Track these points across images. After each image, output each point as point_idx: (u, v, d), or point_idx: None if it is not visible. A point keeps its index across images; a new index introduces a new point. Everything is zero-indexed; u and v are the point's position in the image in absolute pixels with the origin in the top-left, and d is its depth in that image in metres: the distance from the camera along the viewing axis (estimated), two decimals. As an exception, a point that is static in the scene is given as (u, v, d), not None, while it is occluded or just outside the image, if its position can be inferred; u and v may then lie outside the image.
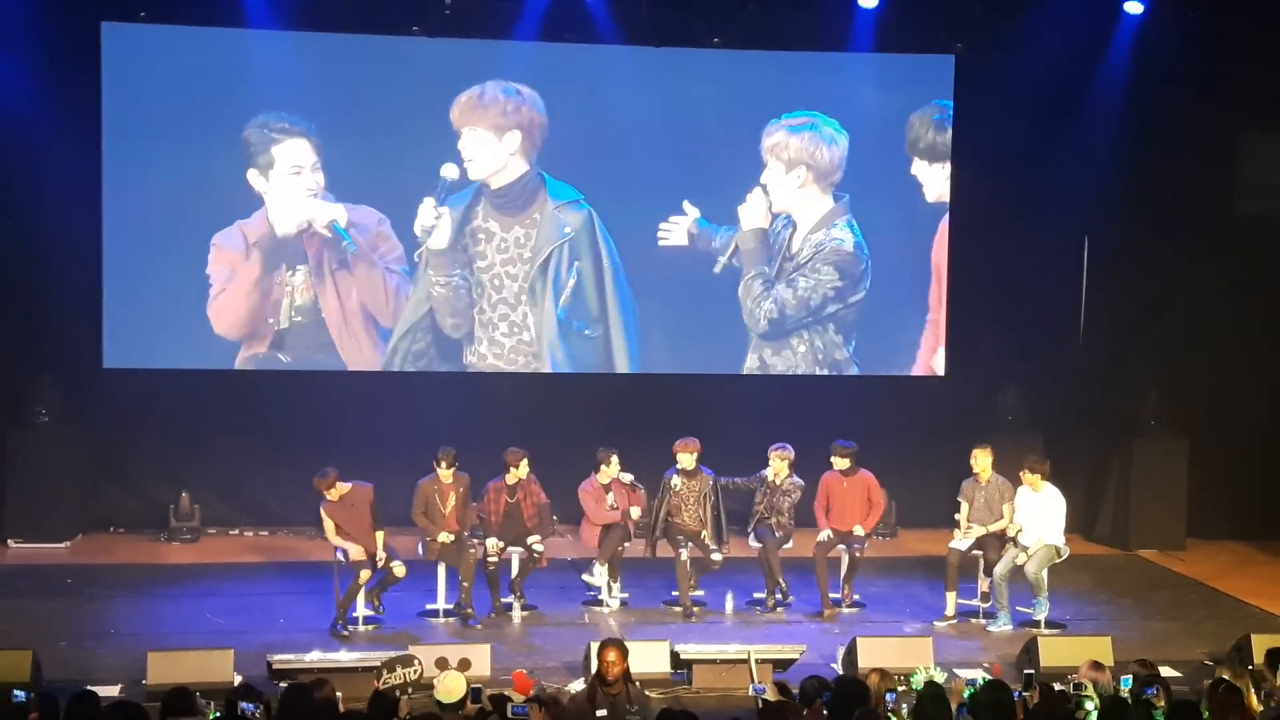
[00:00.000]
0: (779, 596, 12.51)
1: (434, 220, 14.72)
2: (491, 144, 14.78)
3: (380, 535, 11.80)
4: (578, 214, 15.00)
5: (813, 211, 15.23)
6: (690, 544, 12.45)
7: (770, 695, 8.59)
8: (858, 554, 12.59)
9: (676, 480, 12.52)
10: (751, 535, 12.67)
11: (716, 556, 12.40)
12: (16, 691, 8.35)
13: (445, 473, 12.07)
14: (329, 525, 11.84)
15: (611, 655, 8.72)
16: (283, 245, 14.58)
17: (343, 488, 11.76)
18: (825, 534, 12.51)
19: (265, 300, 14.59)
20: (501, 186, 14.88)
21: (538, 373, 15.09)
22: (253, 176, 14.43)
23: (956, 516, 12.76)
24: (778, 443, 12.65)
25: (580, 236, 15.00)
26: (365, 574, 11.61)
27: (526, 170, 14.88)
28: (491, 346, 15.00)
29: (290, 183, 14.52)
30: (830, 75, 15.11)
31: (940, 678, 9.35)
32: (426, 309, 14.88)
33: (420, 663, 9.86)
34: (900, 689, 9.37)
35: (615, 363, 15.23)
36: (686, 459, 12.48)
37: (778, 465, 12.57)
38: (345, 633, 11.46)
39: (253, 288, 14.56)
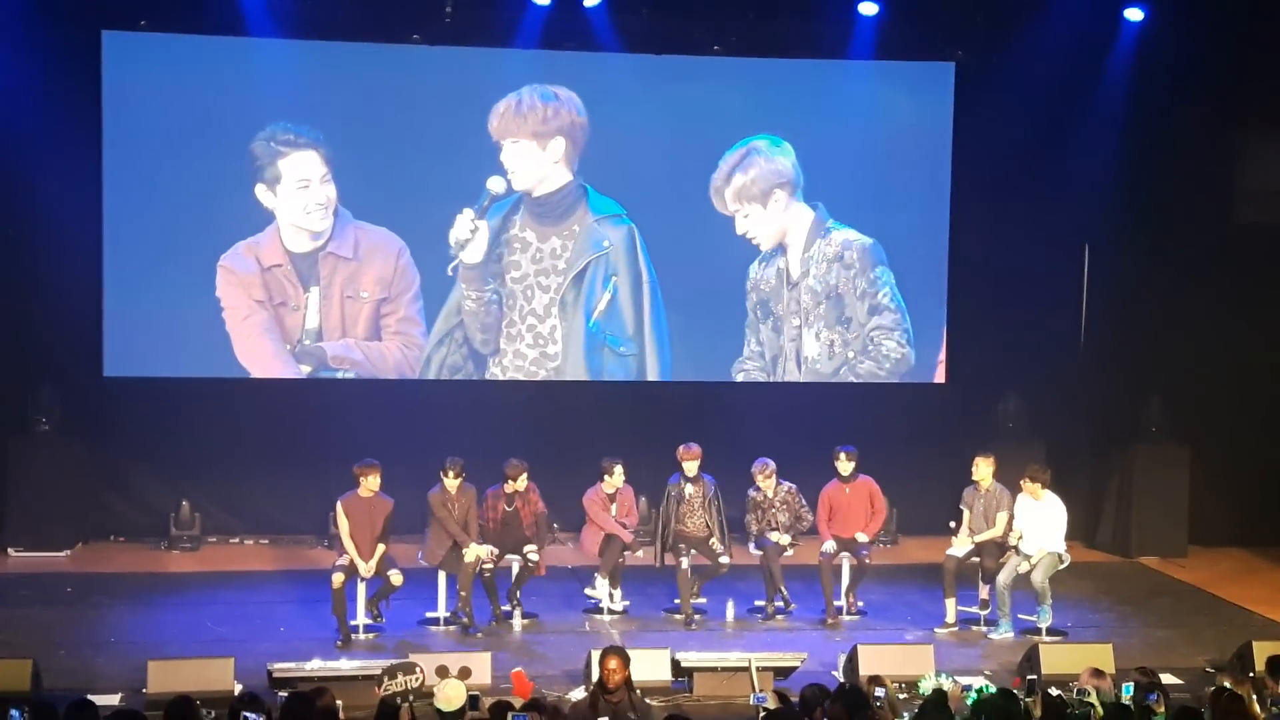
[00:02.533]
0: (780, 604, 12.50)
1: (469, 234, 14.62)
2: (535, 153, 14.67)
3: (381, 548, 11.79)
4: (618, 229, 14.90)
5: (796, 227, 15.19)
6: (694, 551, 12.43)
7: (771, 704, 8.57)
8: (866, 560, 12.57)
9: (689, 487, 12.50)
10: (752, 544, 12.67)
11: (725, 560, 12.39)
12: (13, 711, 8.28)
13: (452, 483, 12.05)
14: (344, 524, 11.80)
15: (613, 663, 8.72)
16: (296, 265, 14.52)
17: (375, 487, 11.79)
18: (829, 545, 12.47)
19: (281, 327, 14.55)
20: (542, 195, 14.80)
21: (543, 381, 15.02)
22: (260, 192, 14.39)
23: (953, 524, 12.77)
24: (758, 459, 12.60)
25: (619, 251, 14.90)
26: (338, 577, 11.56)
27: (569, 180, 14.81)
28: (515, 359, 14.92)
29: (299, 197, 14.46)
30: (829, 82, 15.09)
31: (949, 686, 9.34)
32: (458, 320, 14.81)
33: (422, 670, 9.84)
34: (902, 696, 9.39)
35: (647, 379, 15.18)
36: (692, 465, 12.47)
37: (765, 483, 12.56)
38: (339, 642, 11.46)
39: (269, 318, 14.50)
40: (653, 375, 15.13)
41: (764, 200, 15.04)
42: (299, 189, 14.46)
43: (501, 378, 14.95)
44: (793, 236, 15.16)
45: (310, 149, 14.45)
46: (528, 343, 14.92)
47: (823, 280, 15.19)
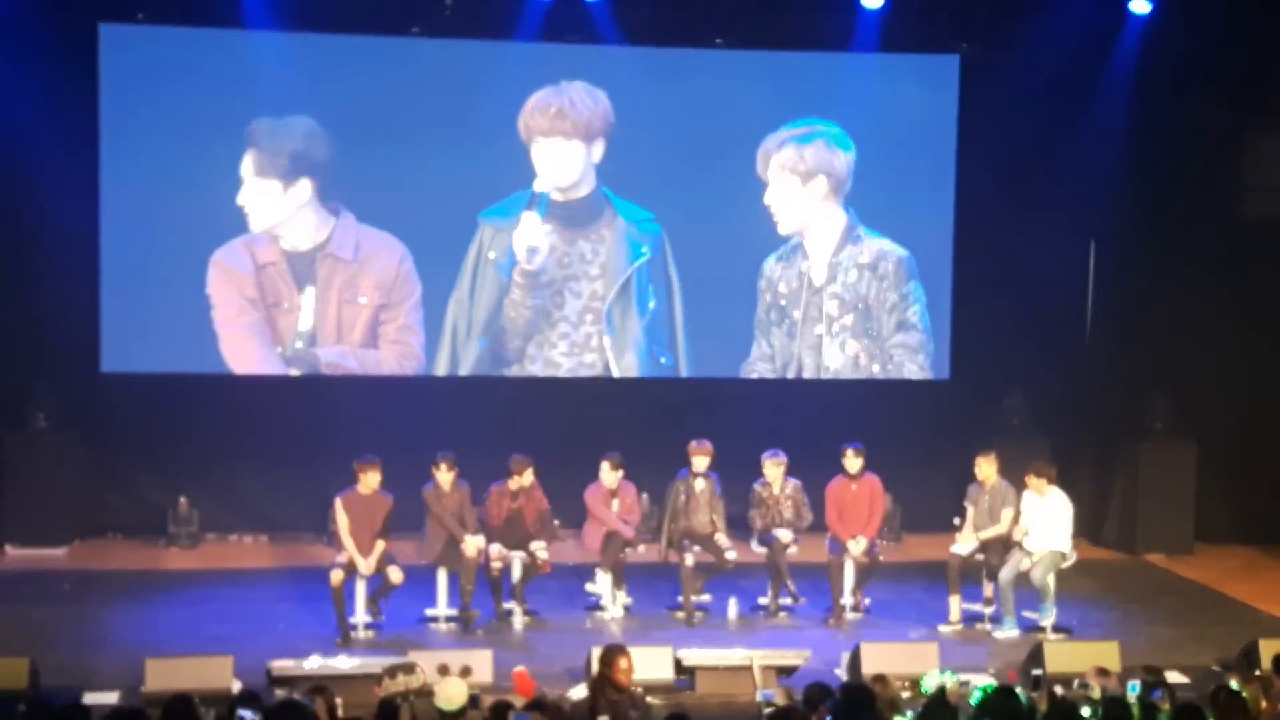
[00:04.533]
0: (788, 600, 12.39)
1: (543, 239, 14.47)
2: (576, 153, 14.51)
3: (380, 545, 11.69)
4: (651, 235, 14.76)
5: (829, 229, 15.05)
6: (698, 548, 12.34)
7: (780, 699, 8.47)
8: (879, 558, 12.49)
9: (700, 482, 12.42)
10: (755, 541, 12.58)
11: (731, 555, 12.30)
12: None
13: (445, 476, 11.96)
14: (343, 521, 11.71)
15: (625, 662, 8.65)
16: (293, 264, 14.38)
17: (375, 484, 11.70)
18: (855, 544, 12.36)
19: (273, 328, 14.41)
20: (570, 199, 14.62)
21: (544, 378, 14.92)
22: (257, 189, 14.24)
23: (956, 521, 12.68)
24: (770, 449, 12.55)
25: (656, 259, 14.78)
26: (337, 575, 11.46)
27: (594, 184, 14.64)
28: (547, 367, 14.77)
29: (295, 196, 14.31)
30: (833, 75, 15.00)
31: (951, 683, 9.26)
32: (499, 325, 14.63)
33: (422, 670, 9.73)
34: (906, 694, 9.30)
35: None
36: (702, 461, 12.38)
37: (773, 473, 12.48)
38: (339, 640, 11.37)
39: (262, 319, 14.35)
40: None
41: (805, 180, 14.85)
42: (294, 187, 14.31)
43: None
44: (818, 237, 15.02)
45: (305, 144, 14.28)
46: (562, 350, 14.76)
47: (852, 289, 15.04)
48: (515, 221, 14.59)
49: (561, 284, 14.73)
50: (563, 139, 14.50)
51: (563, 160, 14.53)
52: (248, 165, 14.23)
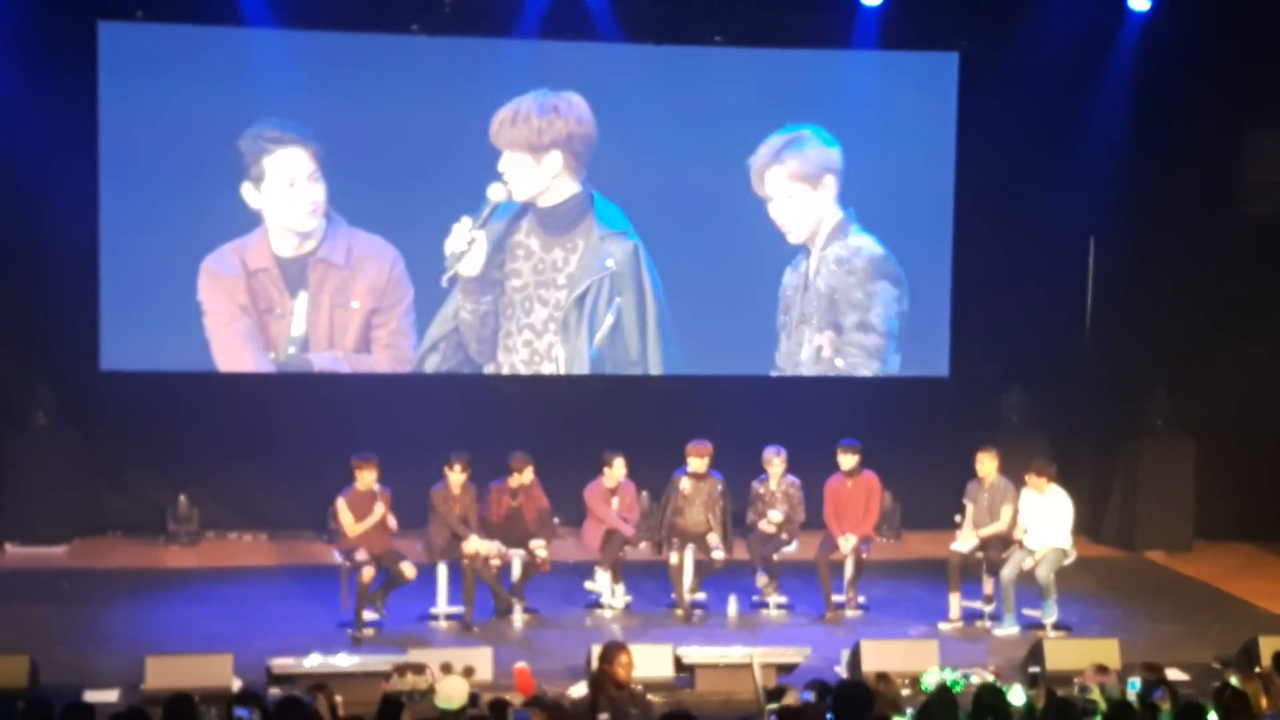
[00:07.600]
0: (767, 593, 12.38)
1: (466, 245, 14.40)
2: (530, 166, 14.42)
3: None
4: (624, 245, 14.65)
5: (824, 226, 15.02)
6: (691, 545, 12.35)
7: (790, 700, 8.45)
8: (864, 555, 12.47)
9: (685, 482, 12.42)
10: (748, 543, 12.61)
11: (718, 555, 12.29)
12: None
13: (457, 477, 11.95)
14: (348, 518, 11.71)
15: (626, 657, 8.66)
16: (284, 270, 14.34)
17: (372, 481, 11.71)
18: (846, 542, 12.36)
19: (265, 334, 14.37)
20: (548, 206, 14.56)
21: (544, 375, 14.92)
22: (247, 191, 14.23)
23: (957, 518, 12.68)
24: (771, 445, 12.55)
25: (624, 271, 14.66)
26: (369, 571, 11.48)
27: (576, 191, 14.57)
28: (510, 372, 14.72)
29: (285, 197, 14.27)
30: (832, 73, 14.98)
31: (954, 681, 9.26)
32: (453, 328, 14.62)
33: (433, 673, 9.70)
34: (906, 692, 9.30)
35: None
36: (698, 462, 12.38)
37: (773, 468, 12.48)
38: (356, 633, 11.35)
39: (252, 325, 14.28)
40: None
41: (815, 183, 14.83)
42: (285, 188, 14.26)
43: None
44: (819, 236, 15.01)
45: (297, 146, 14.22)
46: (523, 358, 14.70)
47: (826, 282, 15.04)
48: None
49: (533, 289, 14.63)
50: (509, 151, 14.43)
51: (516, 171, 14.44)
52: (249, 177, 14.21)
